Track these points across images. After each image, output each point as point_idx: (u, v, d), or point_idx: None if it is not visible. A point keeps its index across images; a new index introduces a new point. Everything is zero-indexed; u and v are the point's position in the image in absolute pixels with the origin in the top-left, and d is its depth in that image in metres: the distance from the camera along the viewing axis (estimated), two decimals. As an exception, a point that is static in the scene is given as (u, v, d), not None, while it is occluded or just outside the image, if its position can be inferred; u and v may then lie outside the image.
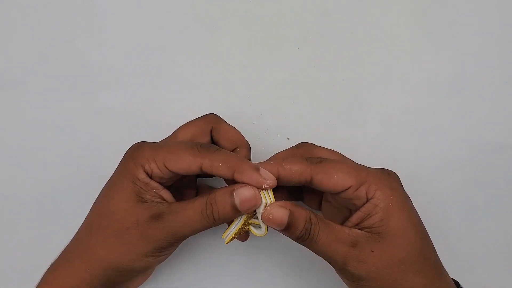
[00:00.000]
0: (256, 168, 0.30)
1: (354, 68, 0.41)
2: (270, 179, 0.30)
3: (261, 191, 0.30)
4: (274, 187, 0.30)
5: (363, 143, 0.41)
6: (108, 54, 0.41)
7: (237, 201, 0.30)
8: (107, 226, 0.31)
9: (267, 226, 0.31)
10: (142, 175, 0.31)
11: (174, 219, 0.30)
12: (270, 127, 0.41)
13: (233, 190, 0.30)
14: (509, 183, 0.40)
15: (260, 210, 0.30)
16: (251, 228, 0.32)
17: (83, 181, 0.40)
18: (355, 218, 0.31)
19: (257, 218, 0.31)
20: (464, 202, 0.40)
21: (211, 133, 0.35)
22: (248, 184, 0.30)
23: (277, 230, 0.30)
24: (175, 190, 0.34)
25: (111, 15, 0.42)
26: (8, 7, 0.42)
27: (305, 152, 0.34)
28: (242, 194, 0.30)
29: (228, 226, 0.32)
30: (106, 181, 0.33)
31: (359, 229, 0.31)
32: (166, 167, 0.31)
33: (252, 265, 0.40)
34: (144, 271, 0.33)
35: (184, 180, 0.36)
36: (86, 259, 0.31)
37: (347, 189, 0.31)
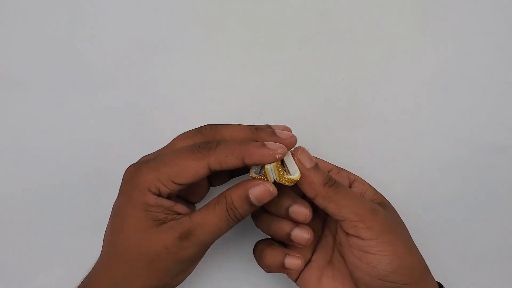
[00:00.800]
0: (263, 144, 0.30)
1: (354, 68, 0.41)
2: (279, 148, 0.30)
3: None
4: (286, 154, 0.31)
5: (363, 143, 0.41)
6: (108, 54, 0.41)
7: (254, 200, 0.30)
8: (137, 258, 0.30)
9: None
10: (152, 200, 0.30)
11: (202, 232, 0.30)
12: (270, 127, 0.41)
13: (248, 192, 0.30)
14: (509, 183, 0.40)
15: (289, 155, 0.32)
16: (286, 176, 0.31)
17: (83, 181, 0.40)
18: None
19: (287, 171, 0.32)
20: (464, 202, 0.40)
21: None
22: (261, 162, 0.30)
23: (305, 176, 0.31)
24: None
25: (111, 15, 0.42)
26: (8, 7, 0.42)
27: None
28: (257, 193, 0.30)
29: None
30: (112, 208, 0.32)
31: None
32: (173, 182, 0.30)
33: (252, 265, 0.40)
34: (184, 279, 0.33)
35: None
36: None
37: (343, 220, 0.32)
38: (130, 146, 0.40)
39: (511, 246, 0.40)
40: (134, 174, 0.31)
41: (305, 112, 0.41)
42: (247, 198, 0.30)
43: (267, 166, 0.30)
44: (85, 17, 0.42)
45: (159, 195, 0.30)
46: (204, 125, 0.34)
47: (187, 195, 0.35)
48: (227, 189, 0.31)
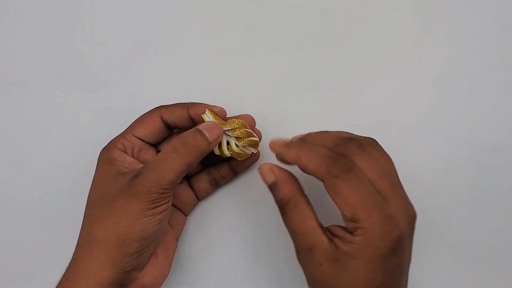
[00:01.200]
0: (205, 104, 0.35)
1: (354, 68, 0.41)
2: (218, 106, 0.35)
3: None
4: (224, 113, 0.35)
5: (363, 143, 0.40)
6: (108, 54, 0.41)
7: (204, 131, 0.33)
8: (98, 206, 0.32)
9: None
10: (116, 154, 0.34)
11: (150, 169, 0.31)
12: (270, 127, 0.41)
13: (197, 126, 0.33)
14: (509, 183, 0.40)
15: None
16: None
17: (83, 181, 0.40)
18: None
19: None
20: (464, 202, 0.40)
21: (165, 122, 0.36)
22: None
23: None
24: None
25: (111, 15, 0.42)
26: (8, 7, 0.42)
27: (344, 155, 0.31)
28: (205, 124, 0.33)
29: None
30: None
31: (334, 234, 0.30)
32: (134, 135, 0.35)
33: (251, 265, 0.40)
34: (146, 238, 0.31)
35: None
36: (88, 249, 0.31)
37: (342, 213, 0.30)
38: (130, 146, 0.40)
39: (511, 246, 0.40)
40: (106, 145, 0.35)
41: (305, 112, 0.41)
42: (198, 130, 0.33)
43: (204, 116, 0.34)
44: (85, 17, 0.42)
45: (125, 151, 0.35)
46: None
47: (175, 202, 0.38)
48: None
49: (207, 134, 0.32)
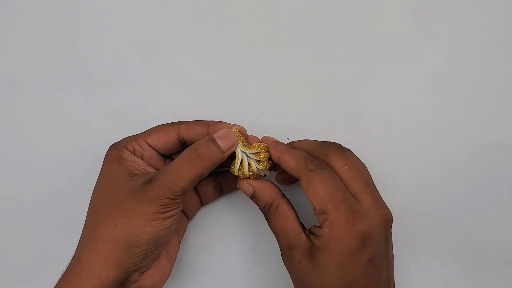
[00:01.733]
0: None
1: (354, 68, 0.41)
2: (238, 125, 0.35)
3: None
4: (244, 132, 0.36)
5: (363, 143, 0.41)
6: (108, 54, 0.41)
7: (218, 140, 0.33)
8: (105, 205, 0.32)
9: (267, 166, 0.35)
10: (126, 154, 0.34)
11: (164, 175, 0.32)
12: (270, 127, 0.41)
13: (211, 134, 0.33)
14: (509, 183, 0.40)
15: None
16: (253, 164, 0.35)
17: (83, 181, 0.40)
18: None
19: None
20: (464, 202, 0.40)
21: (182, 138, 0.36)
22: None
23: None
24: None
25: (111, 15, 0.42)
26: (8, 7, 0.42)
27: (324, 154, 0.34)
28: (220, 132, 0.33)
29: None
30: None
31: (311, 232, 0.32)
32: (146, 142, 0.34)
33: (251, 263, 0.40)
34: (155, 241, 0.32)
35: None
36: (94, 247, 0.31)
37: (313, 206, 0.32)
38: (130, 146, 0.40)
39: (511, 246, 0.40)
40: (115, 143, 0.35)
41: (305, 112, 0.41)
42: (212, 139, 0.33)
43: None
44: (85, 17, 0.42)
45: (134, 154, 0.34)
46: None
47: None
48: None
49: (220, 144, 0.33)
